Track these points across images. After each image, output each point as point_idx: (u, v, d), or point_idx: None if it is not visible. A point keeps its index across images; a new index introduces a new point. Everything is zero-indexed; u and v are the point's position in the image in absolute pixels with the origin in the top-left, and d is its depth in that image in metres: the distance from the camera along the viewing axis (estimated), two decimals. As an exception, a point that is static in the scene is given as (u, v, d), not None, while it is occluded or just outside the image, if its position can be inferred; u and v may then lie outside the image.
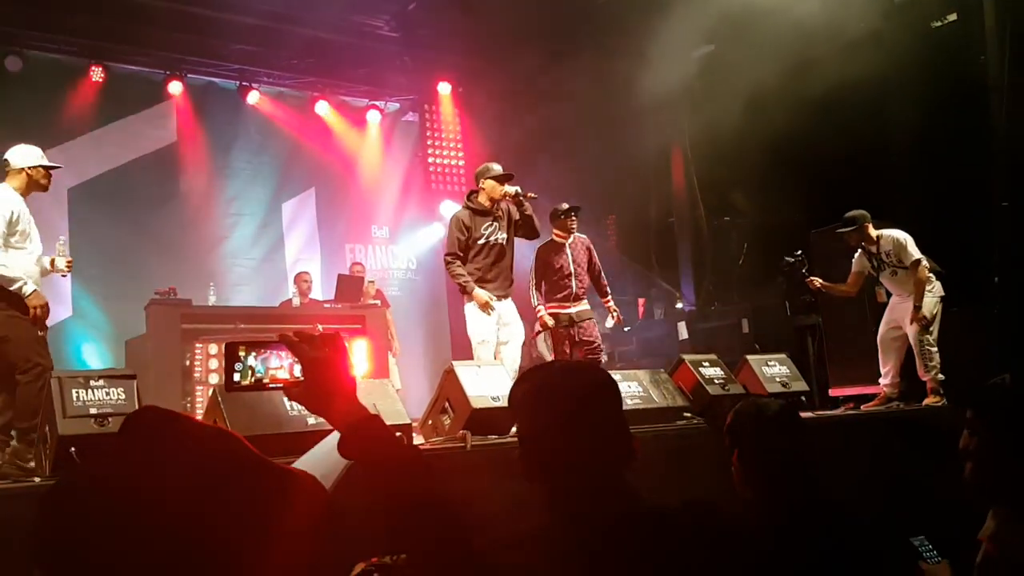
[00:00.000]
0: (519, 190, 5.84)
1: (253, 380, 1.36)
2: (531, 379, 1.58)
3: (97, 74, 8.96)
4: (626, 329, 10.89)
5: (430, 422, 4.79)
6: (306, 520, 1.07)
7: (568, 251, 6.55)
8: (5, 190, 4.83)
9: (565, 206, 6.64)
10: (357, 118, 10.95)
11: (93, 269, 8.73)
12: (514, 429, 4.47)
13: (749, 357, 6.22)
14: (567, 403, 1.47)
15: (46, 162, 4.95)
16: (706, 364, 5.79)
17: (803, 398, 6.01)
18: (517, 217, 5.97)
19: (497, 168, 5.92)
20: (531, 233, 6.04)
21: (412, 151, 11.38)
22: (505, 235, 5.93)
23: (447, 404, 4.64)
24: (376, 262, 10.88)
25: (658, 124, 10.24)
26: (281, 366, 1.37)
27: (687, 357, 5.86)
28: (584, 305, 6.61)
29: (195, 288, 7.82)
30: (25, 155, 4.90)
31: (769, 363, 6.21)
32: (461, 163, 11.51)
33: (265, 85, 10.17)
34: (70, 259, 5.13)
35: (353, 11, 9.64)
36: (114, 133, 9.22)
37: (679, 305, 10.76)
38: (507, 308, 5.96)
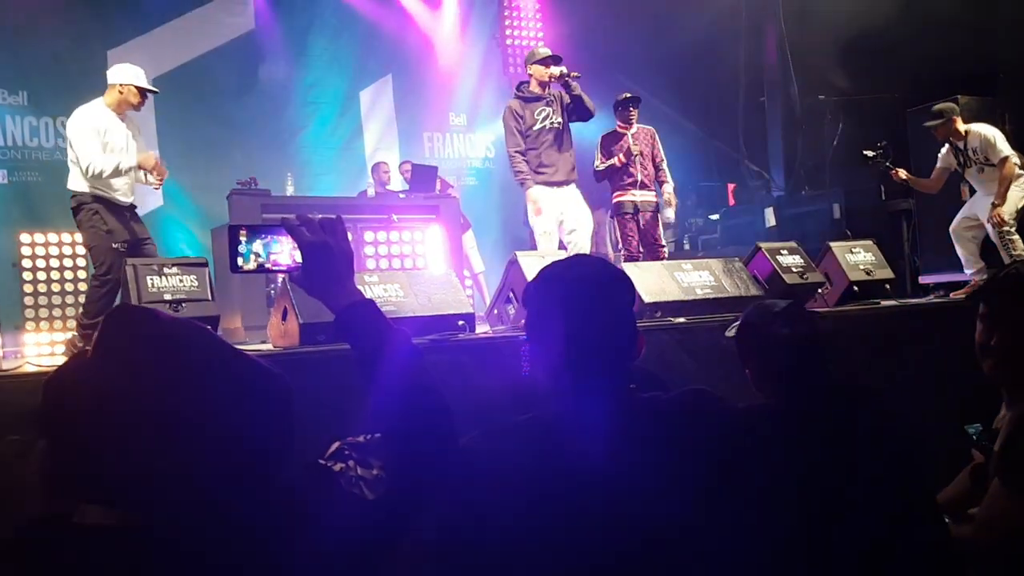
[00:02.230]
0: (564, 70, 5.81)
1: (256, 264, 1.39)
2: (544, 271, 1.55)
3: (172, -40, 8.95)
4: (712, 217, 10.60)
5: (496, 311, 4.82)
6: (273, 407, 1.10)
7: (629, 139, 6.57)
8: (94, 106, 5.06)
9: (625, 95, 6.67)
10: (433, 2, 10.67)
11: (179, 159, 8.98)
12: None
13: (833, 244, 5.98)
14: (569, 295, 1.43)
15: (140, 82, 5.12)
16: (784, 252, 5.59)
17: (887, 286, 5.76)
18: (568, 101, 5.89)
19: (544, 51, 5.91)
20: (584, 114, 5.94)
21: (490, 33, 11.06)
22: (560, 119, 5.89)
23: (511, 293, 4.65)
24: (454, 151, 10.80)
25: (752, 2, 9.66)
26: (283, 250, 1.39)
27: (764, 245, 5.66)
28: (649, 195, 6.61)
29: (275, 178, 7.96)
30: (119, 73, 5.12)
31: (854, 250, 5.96)
32: (541, 43, 11.15)
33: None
34: (164, 171, 5.32)
35: None
36: (193, 22, 9.27)
37: (769, 191, 10.35)
38: (570, 195, 5.93)
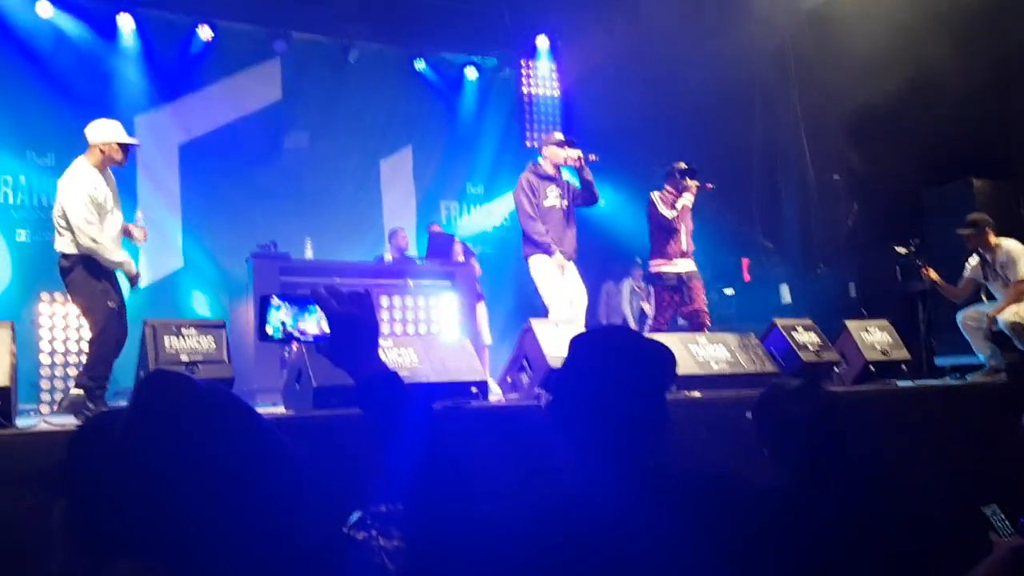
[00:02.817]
0: (581, 154, 5.97)
1: (284, 333, 1.41)
2: (588, 337, 1.56)
3: (205, 32, 9.25)
4: (727, 291, 10.61)
5: (508, 379, 4.81)
6: (289, 477, 1.12)
7: (676, 209, 6.50)
8: (82, 168, 4.93)
9: (683, 166, 6.62)
10: (455, 75, 10.97)
11: (202, 222, 9.16)
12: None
13: (849, 323, 5.98)
14: (618, 365, 1.44)
15: (122, 138, 5.04)
16: (800, 329, 5.59)
17: (903, 366, 5.72)
18: (577, 186, 6.08)
19: (559, 135, 6.15)
20: (590, 199, 6.13)
21: (509, 107, 11.31)
22: (567, 201, 6.05)
23: (525, 361, 4.65)
24: (470, 220, 10.94)
25: (765, 78, 9.83)
26: (310, 320, 1.41)
27: (780, 321, 5.67)
28: (692, 265, 6.54)
29: (295, 242, 8.08)
30: (99, 131, 5.00)
31: (870, 329, 5.95)
32: (558, 119, 11.39)
33: (366, 42, 10.28)
34: (145, 229, 5.27)
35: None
36: (222, 91, 9.54)
37: (783, 268, 10.38)
38: (573, 271, 6.07)
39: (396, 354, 4.14)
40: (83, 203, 4.75)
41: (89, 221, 4.76)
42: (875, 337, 5.89)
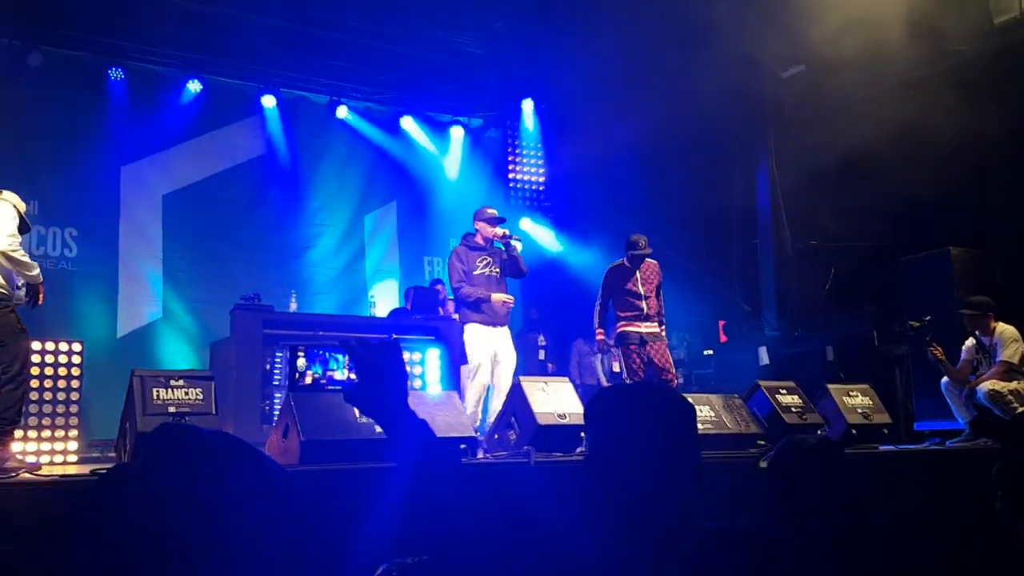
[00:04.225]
0: (507, 232, 6.43)
1: (313, 379, 1.43)
2: (610, 397, 1.57)
3: (194, 86, 9.33)
4: (706, 353, 10.68)
5: (496, 436, 4.79)
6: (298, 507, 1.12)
7: (638, 273, 6.72)
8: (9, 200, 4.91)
9: (635, 237, 6.82)
10: (440, 133, 11.12)
11: (183, 273, 9.11)
12: (581, 448, 4.46)
13: (830, 386, 6.06)
14: (642, 424, 1.45)
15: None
16: (783, 391, 5.64)
17: (885, 431, 5.77)
18: (505, 257, 6.44)
19: (491, 211, 6.52)
20: (517, 273, 6.53)
21: (494, 167, 11.47)
22: (498, 270, 6.43)
23: (513, 419, 4.64)
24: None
25: (744, 144, 10.05)
26: (339, 368, 1.43)
27: (763, 383, 5.72)
28: (655, 327, 6.71)
29: (278, 294, 8.05)
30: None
31: (851, 393, 6.02)
32: (542, 179, 11.55)
33: (353, 100, 10.42)
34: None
35: (440, 28, 9.81)
36: (208, 143, 9.59)
37: (761, 330, 10.48)
38: (502, 335, 6.35)
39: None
40: (12, 225, 4.74)
41: (17, 241, 4.74)
42: (857, 400, 5.96)
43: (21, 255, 4.81)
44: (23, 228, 5.07)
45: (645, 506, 1.41)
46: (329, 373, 1.39)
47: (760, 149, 10.18)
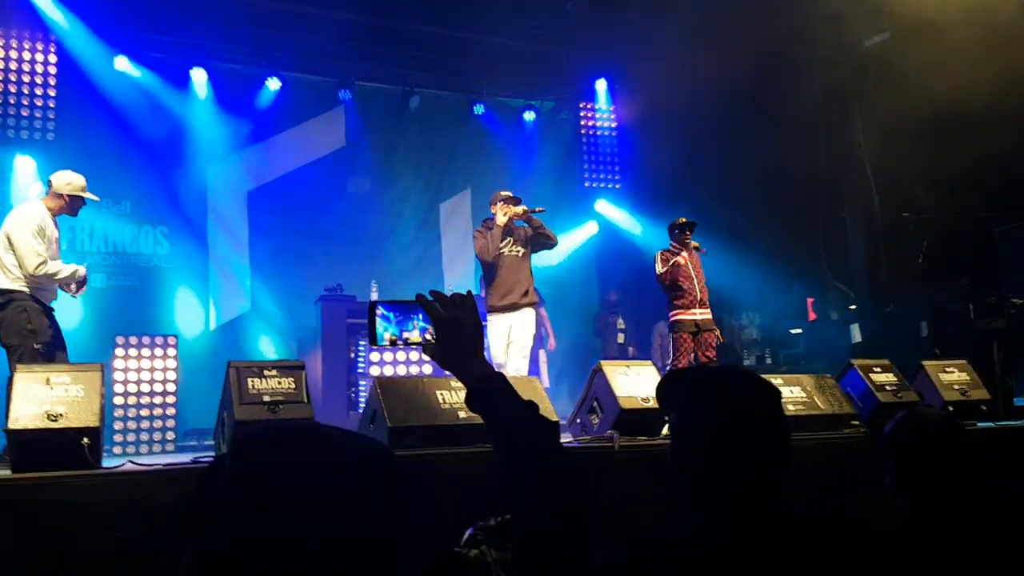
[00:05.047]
0: (526, 208, 6.37)
1: (391, 339, 1.43)
2: (688, 379, 1.55)
3: (273, 84, 9.55)
4: (794, 331, 10.44)
5: (578, 420, 4.78)
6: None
7: (688, 261, 6.95)
8: (37, 207, 5.28)
9: (682, 220, 7.07)
10: (513, 118, 11.11)
11: (269, 266, 9.37)
12: (666, 429, 4.41)
13: (926, 363, 5.82)
14: (727, 407, 1.43)
15: (86, 193, 5.43)
16: (877, 369, 5.45)
17: (983, 407, 5.52)
18: (531, 233, 6.42)
19: (505, 193, 6.49)
20: (547, 243, 6.51)
21: (566, 149, 11.39)
22: (521, 249, 6.43)
23: (595, 403, 4.62)
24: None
25: (830, 114, 9.73)
26: (416, 327, 1.44)
27: (857, 362, 5.54)
28: (708, 313, 6.95)
29: (358, 284, 8.20)
30: (66, 180, 5.38)
31: (947, 369, 5.77)
32: (617, 159, 11.42)
33: (426, 89, 10.50)
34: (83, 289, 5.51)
35: (511, 13, 9.78)
36: (288, 140, 9.84)
37: (852, 306, 10.16)
38: (521, 318, 6.35)
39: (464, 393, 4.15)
40: (34, 236, 5.07)
41: (41, 253, 5.05)
42: (953, 376, 5.71)
43: (47, 269, 5.10)
44: (72, 209, 5.41)
45: (735, 489, 1.39)
46: (405, 333, 1.39)
47: (846, 117, 9.84)
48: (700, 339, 6.89)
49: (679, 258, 6.92)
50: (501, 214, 6.36)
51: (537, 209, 6.43)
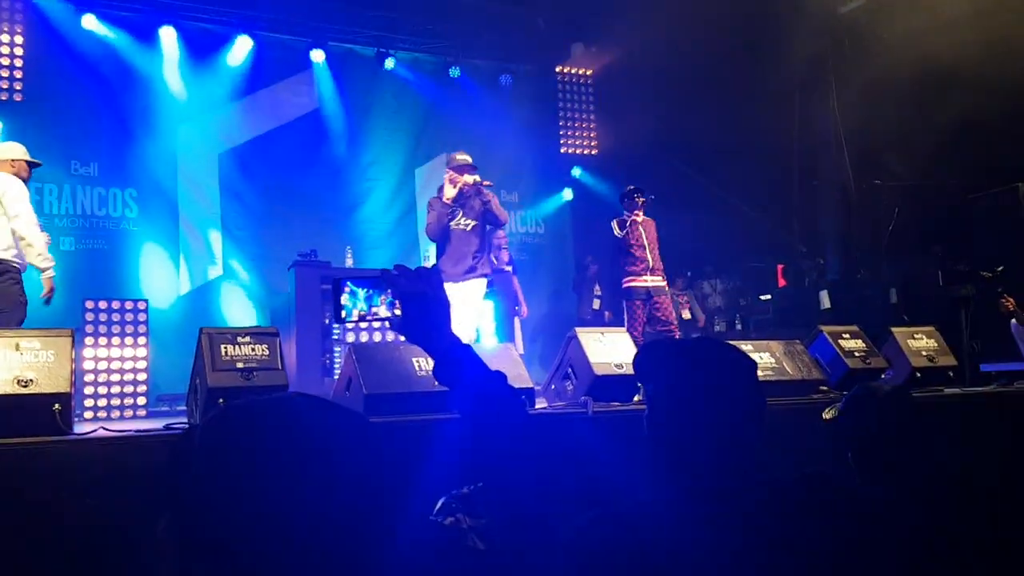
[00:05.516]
0: (477, 179, 6.03)
1: (358, 315, 1.43)
2: (664, 351, 1.56)
3: (244, 43, 9.36)
4: (763, 298, 10.52)
5: (553, 387, 4.81)
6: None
7: (641, 228, 7.03)
8: (13, 178, 5.25)
9: (630, 188, 7.19)
10: (489, 82, 10.99)
11: (241, 231, 9.27)
12: (638, 396, 4.46)
13: (894, 329, 5.91)
14: (703, 379, 1.44)
15: (27, 157, 5.40)
16: (846, 336, 5.53)
17: (951, 373, 5.63)
18: (480, 207, 6.12)
19: (461, 157, 6.18)
20: (493, 220, 6.23)
21: (543, 114, 11.32)
22: (472, 222, 6.10)
23: (570, 369, 4.64)
24: (505, 227, 10.96)
25: (804, 80, 9.73)
26: (383, 301, 1.44)
27: (826, 328, 5.61)
28: (660, 281, 7.04)
29: (333, 250, 8.14)
30: (9, 151, 5.36)
31: (916, 336, 5.87)
32: (593, 125, 11.37)
33: (401, 51, 10.35)
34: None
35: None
36: (260, 101, 9.65)
37: (823, 273, 10.26)
38: (470, 288, 6.07)
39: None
40: (29, 207, 5.17)
41: (36, 223, 5.14)
42: (921, 343, 5.81)
43: (46, 238, 5.19)
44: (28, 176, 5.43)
45: (710, 456, 1.40)
46: (373, 308, 1.39)
47: (820, 84, 9.85)
48: (653, 303, 6.96)
49: (634, 217, 7.05)
50: (450, 186, 6.07)
51: (485, 183, 6.12)
